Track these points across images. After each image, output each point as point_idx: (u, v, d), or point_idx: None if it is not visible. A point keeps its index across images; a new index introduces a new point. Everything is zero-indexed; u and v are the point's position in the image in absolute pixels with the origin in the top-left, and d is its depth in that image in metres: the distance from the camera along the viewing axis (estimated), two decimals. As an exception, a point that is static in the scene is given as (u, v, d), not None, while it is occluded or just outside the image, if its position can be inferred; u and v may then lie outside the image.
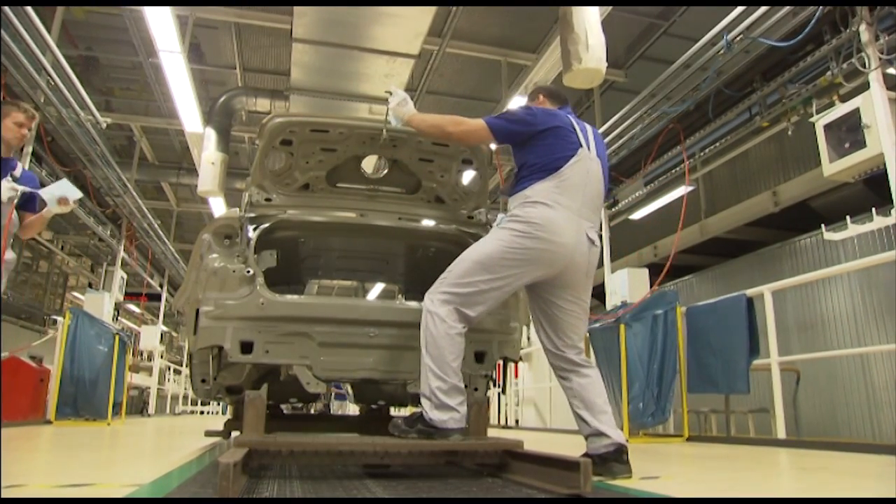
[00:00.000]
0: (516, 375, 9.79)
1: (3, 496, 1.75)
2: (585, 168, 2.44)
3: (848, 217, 4.42)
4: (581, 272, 2.42)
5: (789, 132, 5.16)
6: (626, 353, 4.90)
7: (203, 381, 3.02)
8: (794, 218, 7.43)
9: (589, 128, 2.58)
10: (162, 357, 13.70)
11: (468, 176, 3.32)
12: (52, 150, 6.21)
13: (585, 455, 2.29)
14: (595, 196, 2.46)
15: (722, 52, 4.98)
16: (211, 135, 7.04)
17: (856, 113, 4.05)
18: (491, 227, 3.01)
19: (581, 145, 2.46)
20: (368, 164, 4.03)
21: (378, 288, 9.55)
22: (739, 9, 4.81)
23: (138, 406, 11.71)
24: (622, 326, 4.97)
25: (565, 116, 2.55)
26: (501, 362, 2.83)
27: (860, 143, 4.01)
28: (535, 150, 2.47)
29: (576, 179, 2.41)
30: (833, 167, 4.23)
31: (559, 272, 2.38)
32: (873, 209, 4.29)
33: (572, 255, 2.36)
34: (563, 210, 2.36)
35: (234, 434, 3.28)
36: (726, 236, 8.63)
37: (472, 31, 7.19)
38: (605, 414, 2.37)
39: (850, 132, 4.09)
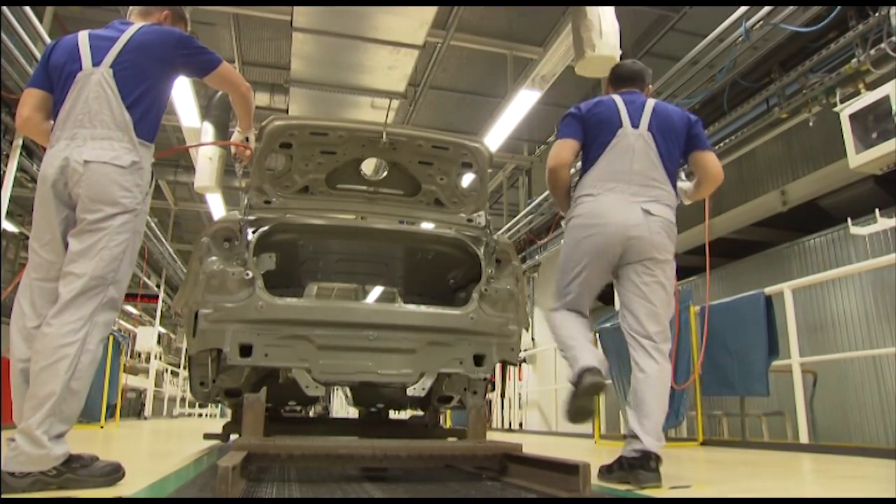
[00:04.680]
0: (520, 378, 9.78)
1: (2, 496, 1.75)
2: (627, 146, 2.49)
3: (864, 214, 4.26)
4: (646, 244, 2.42)
5: (810, 123, 4.95)
6: None
7: (202, 383, 3.02)
8: (802, 218, 7.35)
9: (648, 102, 2.61)
10: (159, 359, 13.66)
11: (468, 179, 3.33)
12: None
13: (620, 458, 2.28)
14: (647, 168, 2.48)
15: (740, 39, 4.82)
16: (208, 129, 7.00)
17: (885, 101, 3.85)
18: (490, 228, 3.04)
19: (621, 125, 2.52)
20: (368, 166, 4.03)
21: (377, 291, 9.55)
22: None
23: (136, 409, 11.66)
24: None
25: (609, 100, 2.61)
26: (499, 366, 2.83)
27: (889, 133, 3.82)
28: (587, 143, 2.58)
29: (617, 162, 2.48)
30: (859, 158, 4.04)
31: (624, 249, 2.43)
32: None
33: (627, 231, 2.40)
34: (607, 194, 2.45)
35: (233, 437, 3.27)
36: (733, 236, 8.58)
37: (477, 24, 7.11)
38: (648, 418, 2.28)
39: (878, 121, 3.93)
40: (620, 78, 2.80)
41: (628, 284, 2.48)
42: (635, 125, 2.52)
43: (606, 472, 2.34)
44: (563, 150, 2.57)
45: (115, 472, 1.98)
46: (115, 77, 2.08)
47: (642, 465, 2.19)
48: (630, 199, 2.43)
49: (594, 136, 2.55)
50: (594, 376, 2.26)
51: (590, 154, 2.56)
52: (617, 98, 2.62)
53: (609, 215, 2.42)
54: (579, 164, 2.68)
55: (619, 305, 2.57)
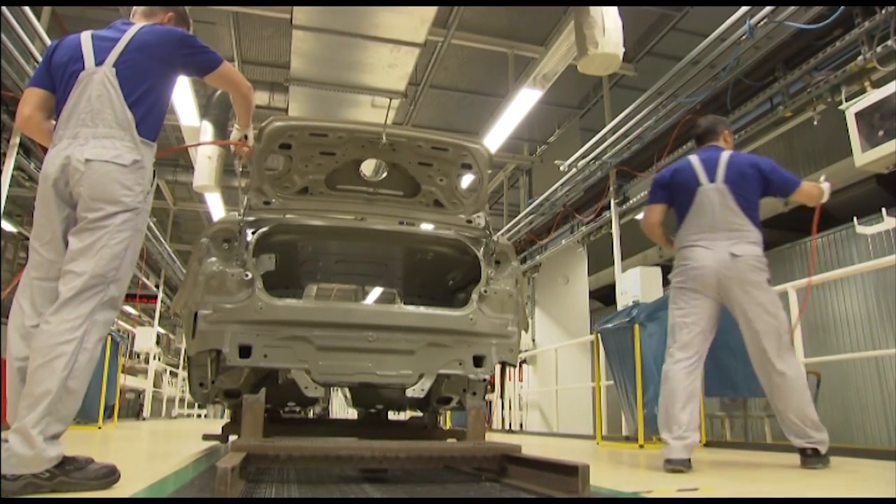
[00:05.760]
0: (521, 379, 9.76)
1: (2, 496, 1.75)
2: (708, 200, 2.99)
3: (867, 214, 4.25)
4: (734, 282, 2.89)
5: (815, 122, 4.93)
6: (640, 355, 4.71)
7: (201, 384, 3.01)
8: (804, 218, 7.35)
9: (723, 157, 3.06)
10: (158, 359, 13.64)
11: (467, 180, 3.33)
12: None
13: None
14: (728, 217, 2.96)
15: (744, 38, 4.82)
16: (207, 128, 6.99)
17: (891, 99, 3.85)
18: (490, 230, 3.04)
19: (700, 183, 3.02)
20: (368, 167, 4.02)
21: (377, 292, 9.55)
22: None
23: (134, 409, 11.64)
24: (636, 327, 4.79)
25: (686, 162, 3.15)
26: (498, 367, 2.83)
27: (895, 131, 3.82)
28: (675, 203, 3.15)
29: (701, 216, 2.99)
30: (865, 157, 4.02)
31: (720, 287, 2.93)
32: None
33: (718, 272, 2.91)
34: (700, 242, 2.97)
35: (232, 438, 3.27)
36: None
37: (478, 22, 7.09)
38: (783, 423, 2.88)
39: (884, 119, 3.90)
40: (698, 136, 3.32)
41: (737, 316, 2.95)
42: (712, 180, 3.01)
43: None
44: (652, 214, 3.21)
45: (109, 475, 1.96)
46: (117, 76, 2.08)
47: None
48: (716, 245, 2.92)
49: (680, 195, 3.09)
50: (673, 466, 2.76)
51: (680, 211, 3.11)
52: (694, 158, 3.13)
53: (703, 260, 2.93)
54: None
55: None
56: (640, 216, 7.62)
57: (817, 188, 3.11)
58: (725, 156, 3.07)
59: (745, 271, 2.88)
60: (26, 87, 2.23)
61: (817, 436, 2.82)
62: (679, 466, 2.74)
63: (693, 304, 2.98)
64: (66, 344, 1.86)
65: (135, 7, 2.38)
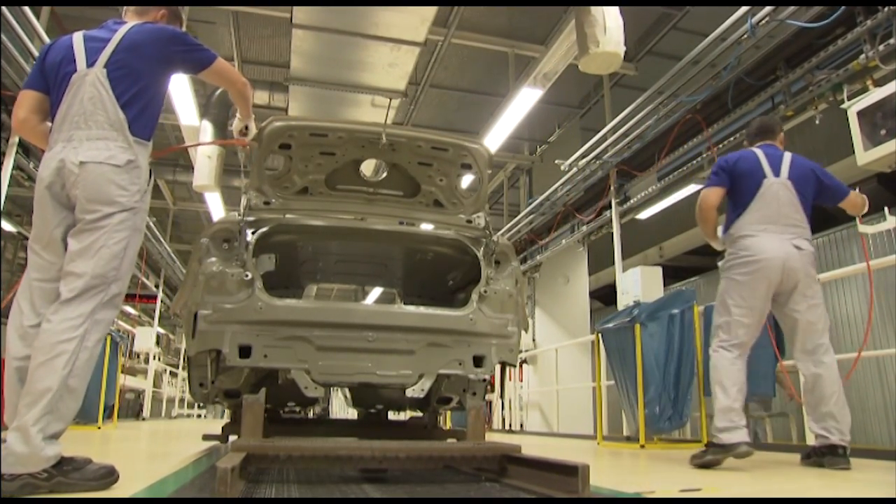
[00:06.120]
0: (521, 379, 9.76)
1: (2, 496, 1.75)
2: (773, 193, 3.04)
3: (868, 214, 4.23)
4: (800, 274, 2.98)
5: (817, 121, 4.92)
6: (641, 355, 4.69)
7: (201, 384, 3.01)
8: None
9: (785, 156, 3.17)
10: (158, 359, 13.64)
11: (467, 180, 3.32)
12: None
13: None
14: (791, 212, 3.04)
15: (745, 36, 4.81)
16: (207, 127, 6.97)
17: (894, 97, 3.83)
18: (490, 230, 3.03)
19: (765, 175, 3.06)
20: (368, 167, 4.02)
21: (377, 292, 9.55)
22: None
23: (134, 409, 11.64)
24: (637, 326, 4.76)
25: (750, 154, 3.17)
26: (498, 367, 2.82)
27: None
28: (733, 191, 3.13)
29: (767, 207, 3.02)
30: (867, 156, 4.01)
31: (783, 279, 2.97)
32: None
33: (784, 263, 2.96)
34: (763, 234, 2.99)
35: (232, 438, 3.27)
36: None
37: (478, 22, 7.09)
38: (819, 418, 2.93)
39: (886, 118, 3.90)
40: (754, 133, 3.39)
41: (790, 310, 3.02)
42: (777, 175, 3.08)
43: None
44: (713, 195, 3.16)
45: (108, 476, 1.95)
46: (108, 77, 2.07)
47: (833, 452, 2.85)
48: (782, 238, 2.99)
49: (742, 184, 3.09)
50: (745, 450, 2.84)
51: (741, 199, 3.09)
52: (758, 151, 3.18)
53: (769, 251, 2.96)
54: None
55: (786, 334, 3.18)
56: (640, 216, 7.68)
57: (861, 198, 3.27)
58: (788, 155, 3.18)
59: (807, 265, 3.00)
60: (21, 90, 2.23)
61: (847, 433, 2.90)
62: (749, 450, 2.86)
63: (753, 305, 3.00)
64: (67, 342, 1.86)
65: (126, 7, 2.37)
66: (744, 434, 2.89)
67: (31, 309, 1.98)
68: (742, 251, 3.03)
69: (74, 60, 2.10)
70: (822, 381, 2.95)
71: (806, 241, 3.05)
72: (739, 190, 3.11)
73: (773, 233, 3.00)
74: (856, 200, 3.25)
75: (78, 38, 2.16)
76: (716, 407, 2.97)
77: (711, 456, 2.90)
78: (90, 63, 2.09)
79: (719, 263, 3.19)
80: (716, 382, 2.99)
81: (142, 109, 2.12)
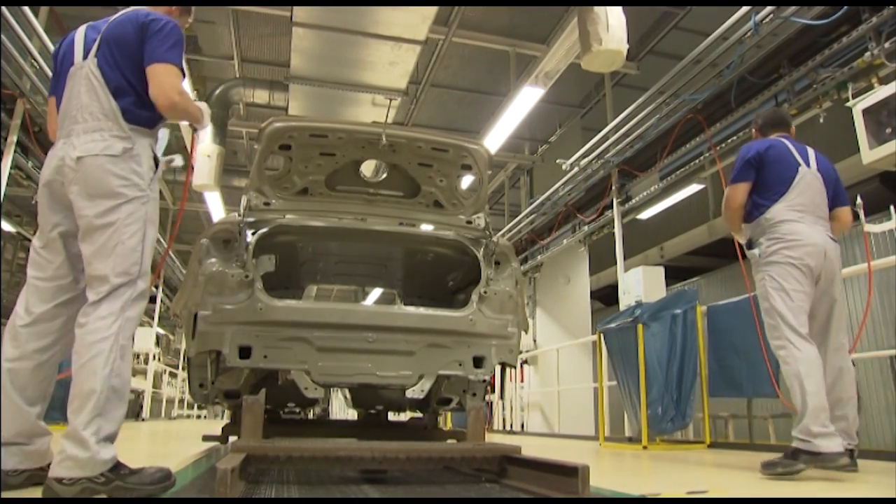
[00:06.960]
0: (522, 379, 9.74)
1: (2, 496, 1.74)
2: (807, 183, 2.95)
3: (870, 214, 4.20)
4: (835, 264, 2.90)
5: (821, 119, 4.86)
6: (643, 355, 4.68)
7: (201, 385, 3.01)
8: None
9: (809, 149, 3.07)
10: (158, 360, 13.63)
11: (467, 181, 3.32)
12: (39, 139, 5.93)
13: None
14: (822, 204, 2.97)
15: (748, 34, 4.78)
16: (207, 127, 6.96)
17: None
18: (490, 230, 3.03)
19: (800, 164, 2.98)
20: (367, 168, 4.02)
21: (377, 293, 9.55)
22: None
23: (134, 410, 11.64)
24: (640, 326, 4.75)
25: (778, 142, 3.06)
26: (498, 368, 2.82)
27: None
28: (764, 179, 2.99)
29: (802, 196, 2.93)
30: (873, 154, 3.97)
31: (821, 267, 2.85)
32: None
33: (825, 250, 2.86)
34: (800, 221, 2.88)
35: (232, 439, 3.27)
36: (736, 237, 8.56)
37: (479, 20, 7.07)
38: (838, 418, 2.71)
39: (892, 116, 3.88)
40: (774, 122, 3.25)
41: (823, 304, 2.88)
42: (808, 165, 2.99)
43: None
44: (739, 193, 3.03)
45: (165, 479, 1.89)
46: (99, 66, 2.03)
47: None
48: (817, 226, 2.90)
49: (772, 171, 2.97)
50: (846, 460, 2.56)
51: (774, 187, 2.95)
52: (785, 140, 3.08)
53: (813, 237, 2.85)
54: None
55: (814, 327, 2.90)
56: (641, 215, 7.68)
57: (850, 216, 3.16)
58: (810, 148, 3.09)
59: (838, 259, 2.93)
60: (48, 97, 2.25)
61: (855, 437, 2.77)
62: (850, 462, 2.56)
63: (808, 291, 2.82)
64: (102, 342, 1.82)
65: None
66: (840, 442, 2.56)
67: (24, 309, 1.97)
68: (787, 235, 2.86)
69: (73, 54, 2.09)
70: (843, 377, 2.78)
71: (832, 235, 2.96)
72: (770, 177, 2.97)
73: (809, 222, 2.88)
74: (848, 216, 3.14)
75: (80, 32, 2.14)
76: (805, 408, 2.60)
77: (803, 465, 2.55)
78: (85, 56, 2.07)
79: (755, 251, 2.96)
80: (798, 378, 2.64)
81: (139, 95, 2.05)
